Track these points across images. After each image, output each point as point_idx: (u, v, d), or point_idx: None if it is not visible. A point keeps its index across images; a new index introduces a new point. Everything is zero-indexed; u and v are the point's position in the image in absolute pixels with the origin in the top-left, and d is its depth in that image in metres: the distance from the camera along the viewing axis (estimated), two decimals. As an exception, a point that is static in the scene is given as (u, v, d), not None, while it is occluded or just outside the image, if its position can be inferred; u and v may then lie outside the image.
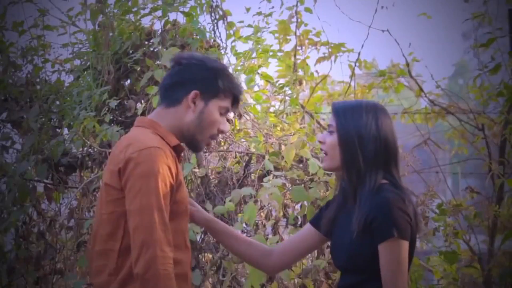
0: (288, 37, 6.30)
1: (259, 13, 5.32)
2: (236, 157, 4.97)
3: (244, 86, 5.01)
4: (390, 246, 3.00)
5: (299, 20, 6.12)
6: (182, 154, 3.20)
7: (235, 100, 3.17)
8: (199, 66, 3.11)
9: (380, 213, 3.01)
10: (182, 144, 3.13)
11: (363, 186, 3.09)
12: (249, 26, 5.23)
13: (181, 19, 5.01)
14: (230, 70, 3.28)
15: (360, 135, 3.09)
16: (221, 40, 5.15)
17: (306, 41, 6.28)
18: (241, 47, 5.19)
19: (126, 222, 2.91)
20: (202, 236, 4.79)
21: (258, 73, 5.26)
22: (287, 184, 4.81)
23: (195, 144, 3.14)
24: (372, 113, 3.14)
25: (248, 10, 5.32)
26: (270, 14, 5.30)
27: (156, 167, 2.88)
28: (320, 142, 3.22)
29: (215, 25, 5.18)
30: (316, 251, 4.85)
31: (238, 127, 5.11)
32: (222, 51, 5.09)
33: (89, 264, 3.08)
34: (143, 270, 2.81)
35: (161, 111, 3.12)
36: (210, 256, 4.77)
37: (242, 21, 5.23)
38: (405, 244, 3.02)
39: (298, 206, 4.88)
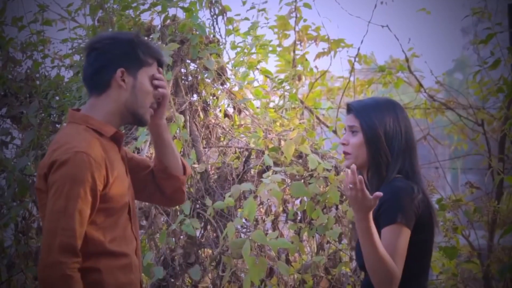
0: (287, 33, 6.30)
1: (253, 7, 5.30)
2: (235, 153, 4.97)
3: (244, 82, 5.03)
4: (392, 230, 3.04)
5: (298, 15, 6.12)
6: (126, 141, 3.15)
7: (159, 63, 3.12)
8: (114, 44, 3.04)
9: (389, 199, 3.06)
10: (120, 130, 3.07)
11: (387, 179, 3.18)
12: (246, 19, 5.22)
13: (181, 14, 5.01)
14: (144, 37, 3.22)
15: (386, 132, 3.19)
16: (220, 35, 5.15)
17: (305, 37, 6.28)
18: (241, 41, 5.19)
19: None
20: (202, 232, 4.80)
21: (257, 68, 5.26)
22: (286, 180, 4.82)
23: (140, 119, 3.06)
24: (391, 110, 3.25)
25: (244, 3, 5.31)
26: (264, 10, 5.29)
27: (76, 174, 2.82)
28: (343, 144, 3.28)
29: (215, 20, 5.18)
30: (315, 247, 4.87)
31: (238, 123, 5.12)
32: (222, 47, 5.09)
33: None
34: (41, 274, 2.79)
35: (93, 101, 3.03)
36: (210, 251, 4.78)
37: (238, 14, 5.23)
38: (407, 232, 3.05)
39: (297, 202, 4.88)
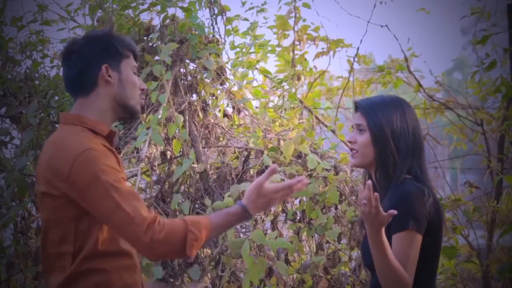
0: (286, 33, 6.30)
1: (252, 8, 5.30)
2: (235, 152, 4.97)
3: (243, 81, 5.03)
4: (403, 237, 3.03)
5: (297, 15, 6.12)
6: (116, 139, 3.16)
7: (134, 56, 3.13)
8: (91, 43, 3.06)
9: (400, 204, 3.04)
10: (112, 128, 3.08)
11: (396, 179, 3.15)
12: (245, 19, 5.22)
13: (180, 14, 5.01)
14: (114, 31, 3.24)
15: (392, 130, 3.17)
16: (219, 35, 5.15)
17: (305, 36, 6.28)
18: (240, 41, 5.20)
19: (76, 225, 2.89)
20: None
21: (257, 68, 5.26)
22: (286, 180, 4.81)
23: (131, 110, 3.07)
24: (399, 107, 3.22)
25: (243, 3, 5.31)
26: (262, 10, 5.29)
27: (97, 168, 2.83)
28: (350, 142, 3.26)
29: (214, 20, 5.18)
30: (314, 246, 4.87)
31: (237, 122, 5.12)
32: (221, 46, 5.09)
33: (42, 264, 3.06)
34: (152, 256, 2.84)
35: (82, 101, 3.03)
36: (209, 251, 4.77)
37: (238, 15, 5.22)
38: (418, 238, 3.04)
39: (297, 201, 4.89)
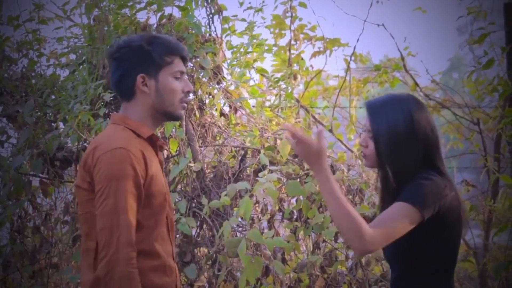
0: (283, 32, 6.30)
1: (250, 8, 5.30)
2: (231, 152, 4.98)
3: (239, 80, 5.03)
4: (399, 205, 2.94)
5: (293, 14, 6.12)
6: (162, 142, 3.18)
7: (182, 58, 3.14)
8: (129, 52, 3.08)
9: (413, 184, 2.98)
10: (155, 133, 3.12)
11: (404, 182, 3.05)
12: (243, 20, 5.22)
13: (177, 13, 5.01)
14: (160, 34, 3.23)
15: (393, 133, 3.07)
16: (216, 34, 5.15)
17: (301, 36, 6.29)
18: (236, 41, 5.20)
19: None
20: (198, 231, 4.80)
21: (253, 67, 5.26)
22: (282, 179, 4.82)
23: (171, 115, 3.12)
24: (405, 108, 3.10)
25: (241, 4, 5.31)
26: (260, 10, 5.29)
27: (119, 169, 2.89)
28: (362, 145, 3.19)
29: (211, 19, 5.18)
30: (311, 246, 4.87)
31: (234, 121, 5.12)
32: (217, 45, 5.09)
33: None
34: (104, 272, 2.83)
35: (126, 106, 3.11)
36: (206, 250, 4.78)
37: (235, 15, 5.23)
38: (415, 216, 2.93)
39: (293, 201, 4.89)
